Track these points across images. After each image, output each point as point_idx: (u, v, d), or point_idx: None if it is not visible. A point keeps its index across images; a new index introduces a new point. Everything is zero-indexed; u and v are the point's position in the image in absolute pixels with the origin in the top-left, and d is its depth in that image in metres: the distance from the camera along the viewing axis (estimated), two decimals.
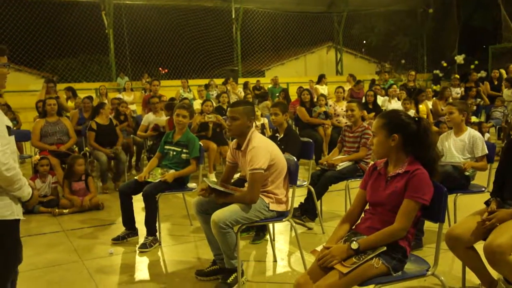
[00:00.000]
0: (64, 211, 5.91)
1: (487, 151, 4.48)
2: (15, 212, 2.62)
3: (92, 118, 7.30)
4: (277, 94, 13.26)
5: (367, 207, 2.85)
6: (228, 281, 3.60)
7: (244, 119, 3.62)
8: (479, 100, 10.97)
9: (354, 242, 2.54)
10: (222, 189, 3.60)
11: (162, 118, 7.90)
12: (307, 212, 5.07)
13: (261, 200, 3.56)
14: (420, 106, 9.20)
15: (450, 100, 8.95)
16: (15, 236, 2.67)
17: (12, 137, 2.62)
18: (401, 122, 2.68)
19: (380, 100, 10.21)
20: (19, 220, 2.66)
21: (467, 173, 4.46)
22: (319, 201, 5.11)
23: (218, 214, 3.40)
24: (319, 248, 2.67)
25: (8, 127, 2.56)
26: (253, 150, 3.52)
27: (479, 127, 8.72)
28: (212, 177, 7.55)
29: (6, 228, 2.59)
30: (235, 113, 3.63)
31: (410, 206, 2.56)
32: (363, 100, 9.75)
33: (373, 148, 2.77)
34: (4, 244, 2.61)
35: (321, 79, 13.64)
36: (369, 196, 2.78)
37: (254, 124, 7.86)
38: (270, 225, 4.48)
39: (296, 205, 4.98)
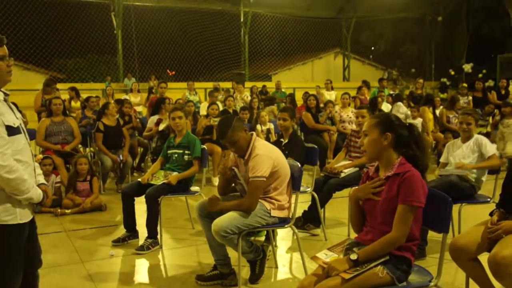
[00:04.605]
0: (66, 211, 5.89)
1: (496, 150, 4.47)
2: (18, 216, 2.51)
3: (99, 119, 7.30)
4: (283, 100, 13.23)
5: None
6: (256, 271, 3.78)
7: (239, 135, 3.56)
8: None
9: (353, 253, 2.50)
10: (237, 172, 3.61)
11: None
12: (311, 220, 5.03)
13: (262, 206, 3.53)
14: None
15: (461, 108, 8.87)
16: (18, 240, 2.54)
17: (17, 136, 2.52)
18: (393, 122, 2.67)
19: (385, 107, 10.14)
20: (24, 223, 2.55)
21: (472, 180, 4.40)
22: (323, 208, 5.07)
23: (218, 223, 3.37)
24: (319, 255, 2.64)
25: (8, 127, 2.46)
26: (256, 157, 3.49)
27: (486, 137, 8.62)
28: (216, 181, 7.52)
29: (6, 233, 2.48)
30: (229, 140, 3.55)
31: (405, 211, 2.50)
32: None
33: (365, 148, 2.72)
34: (5, 250, 2.50)
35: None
36: (363, 203, 2.74)
37: (259, 129, 7.84)
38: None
39: (299, 212, 4.94)
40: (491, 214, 3.17)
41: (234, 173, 3.67)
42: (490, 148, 4.47)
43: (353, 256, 2.48)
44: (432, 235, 3.95)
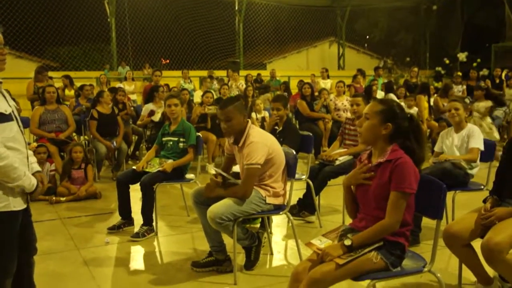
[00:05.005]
0: (61, 199, 5.90)
1: (481, 146, 4.40)
2: (11, 203, 2.49)
3: (93, 107, 7.28)
4: (278, 88, 13.20)
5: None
6: (252, 258, 3.81)
7: (238, 116, 3.55)
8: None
9: (347, 239, 2.52)
10: (225, 175, 3.59)
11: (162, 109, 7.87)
12: (306, 207, 5.05)
13: (257, 193, 3.54)
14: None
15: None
16: (12, 228, 2.53)
17: (9, 123, 2.50)
18: (397, 114, 2.65)
19: (380, 95, 10.14)
20: (18, 211, 2.53)
21: (467, 168, 4.40)
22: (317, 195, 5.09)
23: (213, 210, 3.38)
24: (314, 241, 2.65)
25: (0, 114, 2.45)
26: (251, 145, 3.49)
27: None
28: (211, 169, 7.52)
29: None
30: (227, 114, 3.53)
31: (398, 198, 2.51)
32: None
33: (361, 130, 2.70)
34: None
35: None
36: (355, 190, 2.76)
37: (254, 117, 7.84)
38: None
39: (294, 199, 4.96)
40: (484, 201, 3.20)
41: (221, 177, 3.64)
42: (475, 141, 4.40)
43: (347, 242, 2.50)
44: (426, 222, 3.99)
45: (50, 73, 10.53)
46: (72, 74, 11.67)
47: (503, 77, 12.92)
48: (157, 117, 7.66)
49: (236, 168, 4.10)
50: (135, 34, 19.20)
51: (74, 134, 7.74)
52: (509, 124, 9.84)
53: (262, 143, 3.49)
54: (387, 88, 10.03)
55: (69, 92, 9.90)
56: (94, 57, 20.83)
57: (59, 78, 10.67)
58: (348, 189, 2.81)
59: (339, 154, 5.06)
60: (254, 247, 3.81)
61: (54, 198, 5.88)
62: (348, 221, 2.89)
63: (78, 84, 10.00)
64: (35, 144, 6.46)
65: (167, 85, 10.62)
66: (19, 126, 2.62)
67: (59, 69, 17.80)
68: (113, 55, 18.61)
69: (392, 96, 9.60)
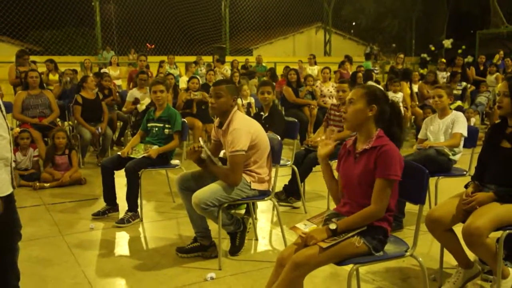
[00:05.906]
0: (45, 185, 5.85)
1: (464, 132, 4.42)
2: None
3: (77, 92, 7.20)
4: (264, 74, 13.17)
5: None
6: (237, 243, 3.82)
7: (228, 97, 3.58)
8: (464, 83, 11.02)
9: (332, 223, 2.54)
10: (214, 159, 3.58)
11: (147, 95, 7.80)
12: (292, 193, 5.07)
13: (242, 179, 3.55)
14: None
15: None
16: None
17: None
18: (380, 96, 2.69)
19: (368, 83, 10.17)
20: (1, 197, 2.41)
21: (449, 153, 4.45)
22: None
23: (198, 195, 3.39)
24: (299, 225, 2.67)
25: None
26: (234, 131, 3.49)
27: (463, 113, 8.72)
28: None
29: None
30: (219, 91, 3.57)
31: (384, 185, 2.54)
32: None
33: (347, 116, 2.70)
34: None
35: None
36: (341, 175, 2.77)
37: (240, 102, 7.83)
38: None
39: (280, 185, 4.98)
40: (466, 186, 3.24)
41: (204, 151, 3.60)
42: (459, 127, 4.44)
43: (332, 226, 2.52)
44: (409, 208, 4.04)
45: (34, 57, 10.39)
46: (55, 58, 11.52)
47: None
48: (140, 109, 7.58)
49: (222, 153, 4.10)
50: (120, 19, 18.98)
51: (58, 119, 7.67)
52: (491, 110, 9.95)
53: (244, 130, 3.50)
54: (365, 76, 9.95)
55: (54, 77, 9.78)
56: (78, 42, 20.55)
57: (43, 62, 10.53)
58: (325, 162, 2.85)
59: None
60: (239, 232, 3.83)
61: (37, 184, 5.84)
62: (333, 207, 2.91)
63: (62, 69, 9.89)
64: (18, 130, 6.38)
65: (147, 66, 10.53)
66: (1, 111, 2.57)
67: (42, 53, 17.54)
68: (98, 39, 18.39)
69: (371, 83, 9.62)
